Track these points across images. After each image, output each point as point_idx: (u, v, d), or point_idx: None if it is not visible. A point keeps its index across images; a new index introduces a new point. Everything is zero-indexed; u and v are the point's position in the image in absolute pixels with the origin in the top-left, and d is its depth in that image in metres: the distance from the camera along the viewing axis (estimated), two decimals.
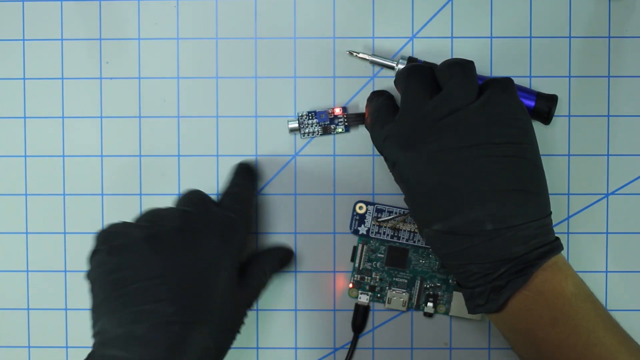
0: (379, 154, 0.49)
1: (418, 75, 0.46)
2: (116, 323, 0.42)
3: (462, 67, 0.45)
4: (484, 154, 0.43)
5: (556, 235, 0.45)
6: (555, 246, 0.44)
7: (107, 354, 0.41)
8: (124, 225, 0.45)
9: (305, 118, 0.52)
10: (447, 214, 0.43)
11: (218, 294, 0.44)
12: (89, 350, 0.42)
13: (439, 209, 0.44)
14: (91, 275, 0.44)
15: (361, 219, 0.52)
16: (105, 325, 0.42)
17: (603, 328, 0.43)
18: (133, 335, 0.41)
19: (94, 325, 0.43)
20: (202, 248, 0.44)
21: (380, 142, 0.46)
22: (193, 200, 0.47)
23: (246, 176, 0.51)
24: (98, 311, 0.43)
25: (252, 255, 0.51)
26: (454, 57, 0.52)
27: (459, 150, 0.43)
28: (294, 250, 0.52)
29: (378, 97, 0.50)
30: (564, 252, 0.46)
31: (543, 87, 0.52)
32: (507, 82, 0.46)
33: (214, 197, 0.48)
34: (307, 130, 0.52)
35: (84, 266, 0.53)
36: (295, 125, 0.52)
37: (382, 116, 0.47)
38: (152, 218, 0.45)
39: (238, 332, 0.46)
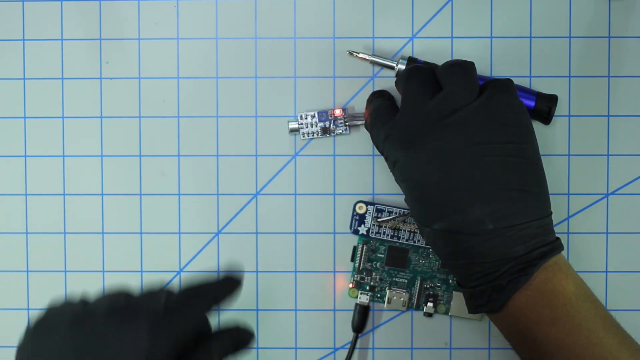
0: (379, 154, 0.49)
1: (419, 75, 0.46)
2: None
3: (462, 68, 0.45)
4: (485, 153, 0.43)
5: (556, 235, 0.45)
6: (555, 246, 0.44)
7: None
8: (61, 305, 0.40)
9: (305, 118, 0.52)
10: (448, 213, 0.43)
11: None
12: None
13: (439, 208, 0.44)
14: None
15: (361, 219, 0.52)
16: None
17: (603, 328, 0.43)
18: None
19: None
20: (123, 338, 0.38)
21: (380, 142, 0.46)
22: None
23: (225, 289, 0.42)
24: None
25: (200, 334, 0.40)
26: (454, 57, 0.52)
27: (459, 149, 0.43)
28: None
29: (378, 98, 0.50)
30: (564, 252, 0.46)
31: (543, 87, 0.52)
32: (507, 82, 0.46)
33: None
34: (307, 131, 0.52)
35: (84, 266, 0.53)
36: (295, 125, 0.52)
37: (382, 116, 0.47)
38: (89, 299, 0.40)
39: None
